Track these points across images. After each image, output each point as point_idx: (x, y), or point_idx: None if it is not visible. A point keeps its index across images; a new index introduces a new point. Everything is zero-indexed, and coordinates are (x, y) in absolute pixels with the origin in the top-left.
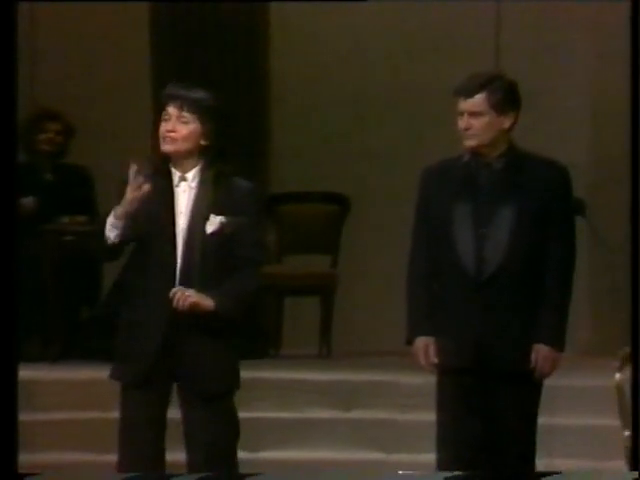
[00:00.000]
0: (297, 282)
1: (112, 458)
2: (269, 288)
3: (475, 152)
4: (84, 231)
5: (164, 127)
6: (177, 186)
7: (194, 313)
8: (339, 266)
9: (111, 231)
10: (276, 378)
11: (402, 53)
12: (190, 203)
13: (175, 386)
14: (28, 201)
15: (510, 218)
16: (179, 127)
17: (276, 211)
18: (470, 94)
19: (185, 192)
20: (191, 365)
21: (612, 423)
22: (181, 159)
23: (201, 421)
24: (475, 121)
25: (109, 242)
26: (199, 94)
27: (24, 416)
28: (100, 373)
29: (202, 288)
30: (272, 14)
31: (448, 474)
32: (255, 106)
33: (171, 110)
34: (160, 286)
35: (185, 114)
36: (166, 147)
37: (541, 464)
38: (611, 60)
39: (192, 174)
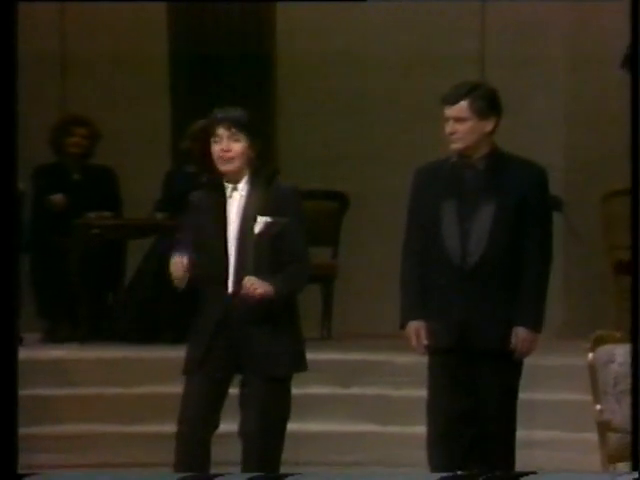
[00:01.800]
0: None
1: (133, 429)
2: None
3: (461, 154)
4: (109, 225)
5: (218, 147)
6: (230, 197)
7: (252, 302)
8: (339, 257)
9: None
10: None
11: (398, 66)
12: (240, 210)
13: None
14: (58, 198)
15: (492, 213)
16: (232, 145)
17: None
18: (455, 101)
19: (236, 200)
20: (252, 350)
21: (585, 398)
22: (236, 174)
23: (260, 399)
24: (460, 126)
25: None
26: (240, 113)
27: (56, 391)
28: (123, 352)
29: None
30: (278, 18)
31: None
32: (262, 110)
33: (221, 132)
34: (213, 289)
35: (235, 132)
36: (225, 167)
37: (521, 435)
38: (584, 71)
39: (242, 184)
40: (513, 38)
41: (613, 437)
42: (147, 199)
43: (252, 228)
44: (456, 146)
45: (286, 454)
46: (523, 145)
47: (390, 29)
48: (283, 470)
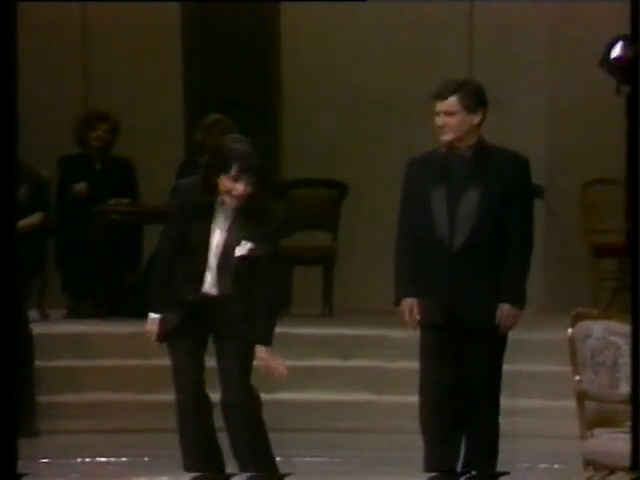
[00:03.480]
0: (304, 253)
1: (148, 398)
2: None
3: (450, 145)
4: (127, 211)
5: (229, 184)
6: (220, 205)
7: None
8: (339, 240)
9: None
10: (286, 332)
11: (392, 65)
12: (227, 223)
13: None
14: (81, 186)
15: (478, 199)
16: (240, 187)
17: (286, 195)
18: (444, 97)
19: (223, 213)
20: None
21: (565, 370)
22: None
23: (232, 366)
24: (449, 119)
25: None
26: (257, 161)
27: (78, 363)
28: (140, 327)
29: (232, 289)
30: (282, 20)
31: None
32: (268, 106)
33: (236, 173)
34: (192, 270)
35: (247, 178)
36: (229, 201)
37: (506, 404)
38: (564, 70)
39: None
40: (499, 39)
41: (590, 405)
42: (162, 187)
43: (234, 247)
44: (446, 138)
45: (289, 421)
46: (508, 137)
47: (384, 31)
48: (285, 436)
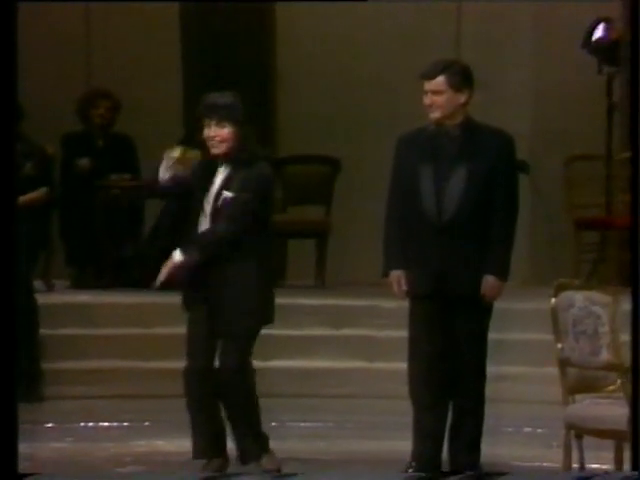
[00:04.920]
0: (298, 227)
1: (149, 365)
2: (276, 233)
3: (438, 123)
4: (128, 186)
5: (207, 133)
6: (216, 176)
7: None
8: (332, 215)
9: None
10: (282, 303)
11: (383, 46)
12: (218, 187)
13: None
14: (84, 162)
15: (465, 175)
16: (218, 131)
17: (282, 171)
18: (432, 76)
19: (219, 179)
20: (224, 308)
21: (548, 338)
22: (225, 156)
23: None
24: (437, 98)
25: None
26: (225, 100)
27: (81, 331)
28: (141, 298)
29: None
30: (278, 5)
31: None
32: (264, 86)
33: (208, 119)
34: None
35: (220, 120)
36: (214, 150)
37: (492, 370)
38: (549, 52)
39: (224, 167)
40: (486, 20)
41: (572, 372)
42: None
43: (219, 198)
44: (434, 116)
45: (284, 388)
46: (494, 116)
47: (376, 14)
48: (279, 402)
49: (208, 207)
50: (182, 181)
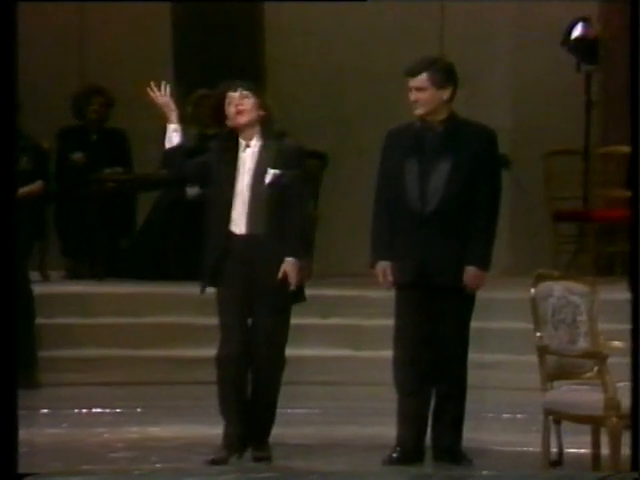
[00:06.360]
0: None
1: (142, 353)
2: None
3: (422, 118)
4: (122, 179)
5: (233, 105)
6: (243, 152)
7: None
8: (319, 207)
9: (169, 142)
10: None
11: (368, 42)
12: (254, 162)
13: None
14: (79, 156)
15: (448, 169)
16: (244, 101)
17: None
18: (416, 74)
19: (249, 155)
20: (259, 285)
21: (527, 327)
22: (247, 129)
23: (265, 327)
24: (421, 95)
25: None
26: (240, 81)
27: (76, 320)
28: (134, 288)
29: (265, 226)
30: (267, 10)
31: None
32: (254, 80)
33: (232, 94)
34: (219, 223)
35: (244, 92)
36: (239, 120)
37: (473, 358)
38: (529, 48)
39: (254, 141)
40: (469, 20)
41: (551, 359)
42: (154, 157)
43: (263, 178)
44: (418, 112)
45: None
46: (476, 111)
47: (362, 11)
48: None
49: (244, 186)
50: (198, 168)
